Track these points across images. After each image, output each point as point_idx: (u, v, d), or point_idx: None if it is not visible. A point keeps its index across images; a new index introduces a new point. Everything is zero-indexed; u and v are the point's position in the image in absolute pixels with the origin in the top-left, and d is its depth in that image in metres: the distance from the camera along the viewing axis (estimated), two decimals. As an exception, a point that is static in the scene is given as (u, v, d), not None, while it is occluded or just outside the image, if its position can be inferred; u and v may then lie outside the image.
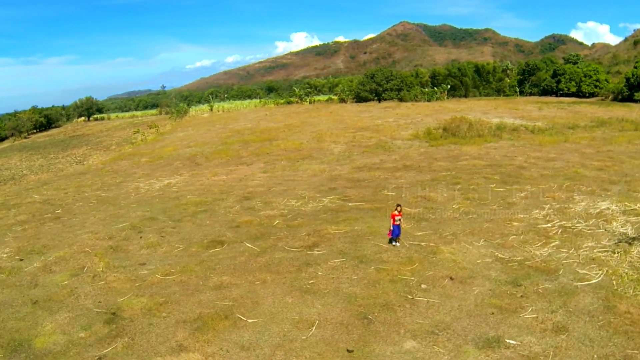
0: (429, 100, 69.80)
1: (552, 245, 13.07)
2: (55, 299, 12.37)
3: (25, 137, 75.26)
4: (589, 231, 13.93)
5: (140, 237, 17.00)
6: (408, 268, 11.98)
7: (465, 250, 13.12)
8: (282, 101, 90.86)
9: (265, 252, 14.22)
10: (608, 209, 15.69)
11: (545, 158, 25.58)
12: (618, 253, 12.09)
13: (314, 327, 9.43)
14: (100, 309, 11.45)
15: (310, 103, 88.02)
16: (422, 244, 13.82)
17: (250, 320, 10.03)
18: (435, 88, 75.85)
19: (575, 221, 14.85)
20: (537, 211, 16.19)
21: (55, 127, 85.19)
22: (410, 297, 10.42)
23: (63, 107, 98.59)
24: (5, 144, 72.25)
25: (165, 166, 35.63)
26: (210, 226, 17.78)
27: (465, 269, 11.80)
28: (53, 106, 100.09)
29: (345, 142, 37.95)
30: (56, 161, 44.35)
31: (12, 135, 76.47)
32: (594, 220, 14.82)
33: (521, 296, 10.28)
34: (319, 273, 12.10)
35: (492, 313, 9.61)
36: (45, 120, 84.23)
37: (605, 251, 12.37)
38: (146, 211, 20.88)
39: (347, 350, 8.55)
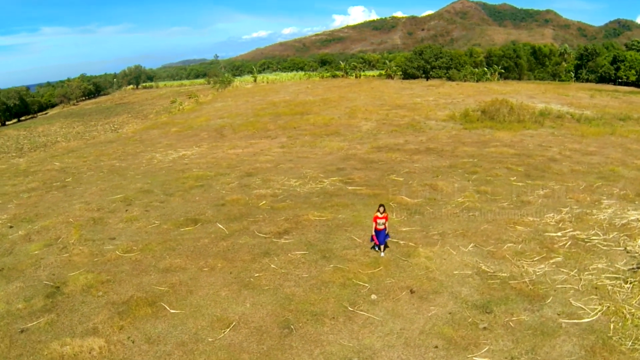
0: (478, 81, 64.96)
1: (552, 261, 10.83)
2: (19, 268, 12.39)
3: (74, 104, 79.16)
4: (605, 248, 11.44)
5: (126, 210, 16.78)
6: (369, 271, 10.49)
7: (447, 255, 11.33)
8: (327, 74, 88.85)
9: (233, 235, 13.35)
10: (638, 220, 12.91)
11: (582, 151, 22.29)
12: (631, 284, 9.52)
13: (228, 329, 8.45)
14: (49, 282, 11.25)
15: (356, 77, 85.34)
16: (401, 242, 12.20)
17: (172, 311, 9.30)
18: (486, 69, 70.31)
19: (592, 232, 12.36)
20: (551, 215, 13.84)
21: (104, 94, 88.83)
22: (350, 309, 8.96)
23: (114, 75, 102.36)
24: (55, 110, 76.56)
25: (192, 137, 35.74)
26: (197, 203, 17.20)
27: (434, 280, 10.07)
28: (105, 73, 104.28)
29: (377, 119, 36.07)
30: (93, 129, 46.09)
31: (62, 102, 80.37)
32: (615, 233, 12.19)
33: (484, 328, 8.32)
34: (272, 266, 11.01)
35: (436, 347, 7.83)
36: (94, 87, 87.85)
37: (615, 278, 9.88)
38: (146, 183, 20.73)
39: None
